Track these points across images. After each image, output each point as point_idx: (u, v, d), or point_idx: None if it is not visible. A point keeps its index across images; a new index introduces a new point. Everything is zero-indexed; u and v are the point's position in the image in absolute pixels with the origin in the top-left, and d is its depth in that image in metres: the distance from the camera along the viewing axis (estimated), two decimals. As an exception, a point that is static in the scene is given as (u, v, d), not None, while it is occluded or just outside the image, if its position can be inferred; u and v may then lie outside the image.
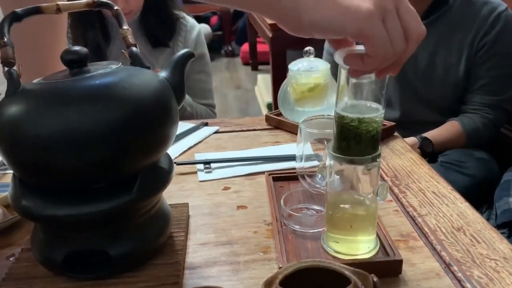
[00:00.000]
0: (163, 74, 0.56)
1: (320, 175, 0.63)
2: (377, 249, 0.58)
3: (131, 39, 0.55)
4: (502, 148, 1.49)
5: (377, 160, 0.53)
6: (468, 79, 1.37)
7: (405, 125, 1.43)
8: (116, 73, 0.51)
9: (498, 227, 1.08)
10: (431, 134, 1.35)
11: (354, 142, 0.52)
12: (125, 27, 0.56)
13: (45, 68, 0.60)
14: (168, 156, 0.59)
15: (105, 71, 0.51)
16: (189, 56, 0.57)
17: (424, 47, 1.36)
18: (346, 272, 0.44)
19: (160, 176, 0.55)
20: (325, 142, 0.64)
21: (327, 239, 0.60)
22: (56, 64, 0.55)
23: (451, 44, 1.34)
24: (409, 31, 0.44)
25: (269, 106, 2.94)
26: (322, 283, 0.45)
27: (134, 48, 0.55)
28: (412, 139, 1.30)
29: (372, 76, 0.49)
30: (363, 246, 0.57)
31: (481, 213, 1.22)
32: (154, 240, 0.57)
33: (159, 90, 0.52)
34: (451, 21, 1.34)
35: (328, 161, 0.57)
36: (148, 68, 0.55)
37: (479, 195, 1.25)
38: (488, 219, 1.16)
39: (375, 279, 0.43)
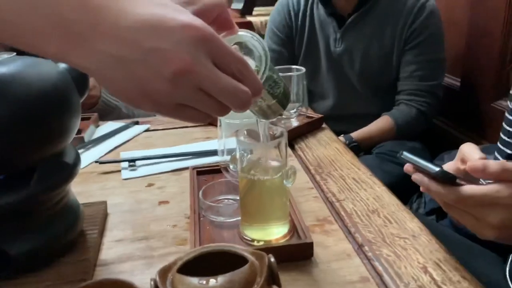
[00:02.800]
0: (63, 64, 0.54)
1: (233, 165, 0.63)
2: (290, 233, 0.58)
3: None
4: (434, 138, 1.55)
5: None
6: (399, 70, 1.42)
7: (339, 117, 1.46)
8: (7, 64, 0.49)
9: (427, 214, 1.11)
10: (362, 133, 1.38)
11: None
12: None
13: None
14: (74, 149, 0.57)
15: (-5, 61, 0.49)
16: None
17: (358, 40, 1.41)
18: (245, 254, 0.44)
19: (62, 169, 0.53)
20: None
21: (242, 227, 0.59)
22: None
23: (383, 35, 1.39)
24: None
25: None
26: (225, 267, 0.45)
27: (30, 38, 0.53)
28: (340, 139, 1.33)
29: None
30: (276, 231, 0.58)
31: (412, 202, 1.27)
32: (61, 237, 0.55)
33: (55, 81, 0.51)
34: (381, 13, 1.39)
35: (238, 150, 0.57)
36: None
37: (413, 183, 1.29)
38: (418, 208, 1.20)
39: (272, 259, 0.43)
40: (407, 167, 0.54)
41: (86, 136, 0.96)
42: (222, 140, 0.72)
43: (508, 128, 0.79)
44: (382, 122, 1.41)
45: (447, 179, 0.49)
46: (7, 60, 0.50)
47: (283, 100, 0.53)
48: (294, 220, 0.60)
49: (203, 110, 0.38)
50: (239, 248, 0.45)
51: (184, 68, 0.34)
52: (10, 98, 0.47)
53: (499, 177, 0.48)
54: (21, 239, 0.51)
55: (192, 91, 0.36)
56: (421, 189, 0.56)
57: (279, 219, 0.58)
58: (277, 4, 1.56)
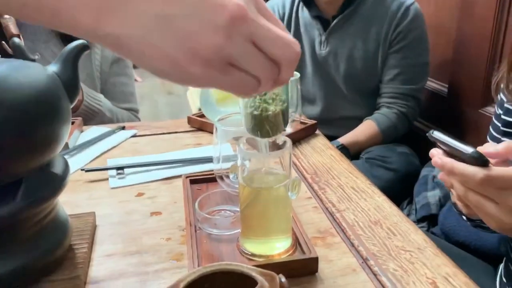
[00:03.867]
0: (52, 68, 0.50)
1: (233, 174, 0.60)
2: (293, 248, 0.56)
3: (13, 28, 0.49)
4: (420, 143, 1.55)
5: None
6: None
7: (328, 121, 1.45)
8: (-9, 66, 0.45)
9: (418, 221, 1.10)
10: (349, 138, 1.37)
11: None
12: (7, 16, 0.50)
13: None
14: (63, 159, 0.53)
15: (-22, 64, 0.45)
16: (83, 48, 0.52)
17: (343, 42, 1.40)
18: (253, 274, 0.41)
19: (51, 181, 0.49)
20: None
21: (242, 241, 0.56)
22: None
23: (368, 37, 1.38)
24: (275, 60, 0.35)
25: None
26: (230, 287, 0.42)
27: (16, 39, 0.49)
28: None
29: None
30: (278, 246, 0.55)
31: (402, 208, 1.26)
32: (48, 254, 0.51)
33: (45, 85, 0.47)
34: (366, 15, 1.38)
35: (240, 159, 0.54)
36: (33, 60, 0.49)
37: (402, 188, 1.29)
38: (408, 214, 1.19)
39: (283, 279, 0.40)
40: (432, 152, 0.51)
41: (70, 142, 0.92)
42: (218, 147, 0.69)
43: (495, 134, 0.78)
44: (367, 127, 1.40)
45: (480, 162, 0.46)
46: (-9, 62, 0.46)
47: (286, 112, 0.51)
48: (296, 233, 0.58)
49: (253, 71, 0.35)
50: (246, 267, 0.42)
51: (239, 14, 0.32)
52: (-6, 104, 0.43)
53: None
54: (5, 257, 0.47)
55: (244, 43, 0.33)
56: (439, 175, 0.53)
57: (282, 232, 0.55)
58: None
